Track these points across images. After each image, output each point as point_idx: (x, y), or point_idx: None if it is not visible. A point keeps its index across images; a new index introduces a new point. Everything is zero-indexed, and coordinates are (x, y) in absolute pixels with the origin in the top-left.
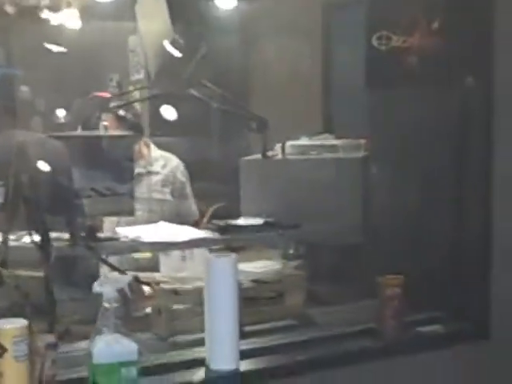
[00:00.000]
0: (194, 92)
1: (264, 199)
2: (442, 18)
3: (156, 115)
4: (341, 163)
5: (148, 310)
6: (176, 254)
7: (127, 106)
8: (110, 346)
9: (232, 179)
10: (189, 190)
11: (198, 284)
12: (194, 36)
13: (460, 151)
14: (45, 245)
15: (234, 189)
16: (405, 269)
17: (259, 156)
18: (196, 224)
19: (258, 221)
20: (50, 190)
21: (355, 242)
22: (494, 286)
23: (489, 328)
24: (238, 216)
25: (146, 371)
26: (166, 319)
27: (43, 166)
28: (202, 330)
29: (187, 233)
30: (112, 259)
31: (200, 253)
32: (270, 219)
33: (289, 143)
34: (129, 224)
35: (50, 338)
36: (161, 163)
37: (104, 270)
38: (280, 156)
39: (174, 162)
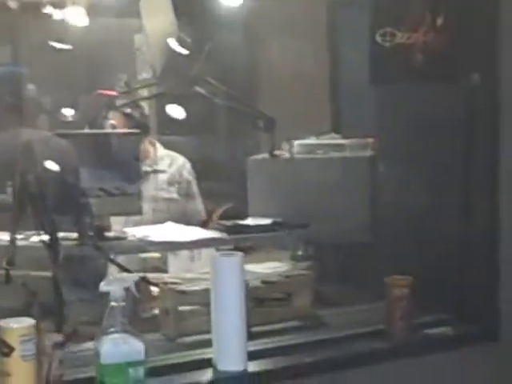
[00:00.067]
0: (200, 90)
1: (271, 199)
2: (447, 14)
3: (163, 114)
4: (348, 162)
5: (156, 311)
6: (184, 254)
7: (134, 103)
8: (118, 346)
9: (239, 179)
10: (195, 188)
11: (206, 284)
12: (199, 34)
13: (466, 148)
14: (53, 244)
15: (241, 188)
16: (413, 270)
17: (267, 155)
18: (204, 224)
19: (266, 221)
20: (56, 188)
21: (363, 242)
22: (503, 288)
23: (497, 330)
24: (245, 216)
25: (153, 372)
26: (174, 320)
27: (49, 164)
28: (211, 331)
29: (195, 233)
30: (120, 261)
31: (208, 253)
32: (277, 219)
33: (296, 142)
34: (136, 224)
35: (58, 338)
36: (167, 162)
37: (112, 270)
38: (287, 155)
39: (180, 160)
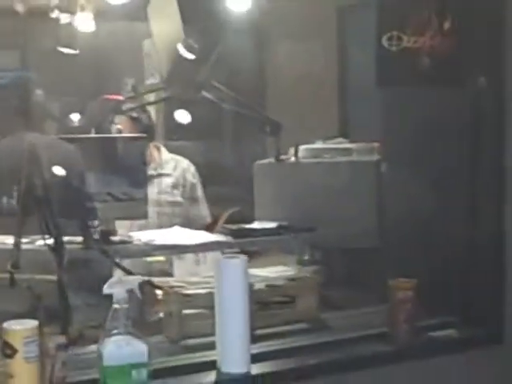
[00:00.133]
0: (207, 95)
1: (278, 203)
2: (454, 18)
3: (170, 119)
4: (355, 166)
5: (161, 314)
6: (190, 258)
7: (141, 108)
8: (121, 348)
9: (246, 183)
10: (200, 192)
11: (211, 288)
12: (206, 39)
13: (473, 152)
14: (58, 248)
15: (247, 193)
16: (419, 273)
17: (273, 160)
18: (209, 228)
19: (272, 224)
20: (62, 192)
21: (369, 246)
22: (509, 291)
23: (502, 333)
24: (252, 220)
25: (157, 374)
26: (178, 322)
27: (55, 168)
28: (214, 334)
29: (200, 237)
30: (126, 265)
31: (214, 257)
32: (283, 223)
33: (303, 147)
34: (140, 227)
35: (61, 340)
36: (171, 165)
37: (118, 274)
38: (293, 159)
39: (185, 163)
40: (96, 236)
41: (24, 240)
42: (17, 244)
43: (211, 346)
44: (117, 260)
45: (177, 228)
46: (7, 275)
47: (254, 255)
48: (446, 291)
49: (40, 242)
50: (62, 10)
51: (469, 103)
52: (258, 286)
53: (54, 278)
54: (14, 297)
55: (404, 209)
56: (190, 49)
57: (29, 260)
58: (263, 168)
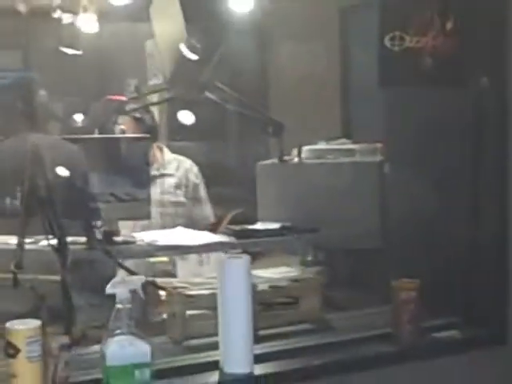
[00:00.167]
0: (210, 95)
1: (281, 203)
2: (456, 18)
3: (174, 120)
4: (358, 167)
5: (164, 315)
6: (193, 258)
7: (144, 108)
8: (124, 348)
9: (249, 184)
10: (203, 192)
11: (214, 288)
12: (209, 39)
13: (475, 152)
14: (61, 248)
15: (250, 193)
16: (422, 274)
17: (276, 160)
18: (212, 229)
19: (275, 225)
20: (65, 193)
21: (372, 246)
22: (511, 292)
23: (505, 334)
24: (255, 221)
25: (160, 374)
26: (181, 323)
27: (58, 168)
28: (217, 334)
29: (204, 237)
30: (129, 265)
31: (217, 257)
32: (286, 223)
33: (306, 148)
34: (143, 228)
35: (64, 339)
36: (174, 165)
37: (121, 274)
38: (296, 160)
39: (187, 163)
40: (99, 236)
41: (27, 240)
42: (20, 244)
43: (214, 347)
44: (120, 260)
45: (180, 228)
46: (11, 275)
47: (257, 256)
48: (449, 292)
49: (43, 243)
50: (64, 10)
51: (471, 103)
52: (262, 286)
53: (57, 278)
54: (17, 297)
55: (407, 209)
56: (192, 49)
57: (32, 260)
58: (266, 169)
